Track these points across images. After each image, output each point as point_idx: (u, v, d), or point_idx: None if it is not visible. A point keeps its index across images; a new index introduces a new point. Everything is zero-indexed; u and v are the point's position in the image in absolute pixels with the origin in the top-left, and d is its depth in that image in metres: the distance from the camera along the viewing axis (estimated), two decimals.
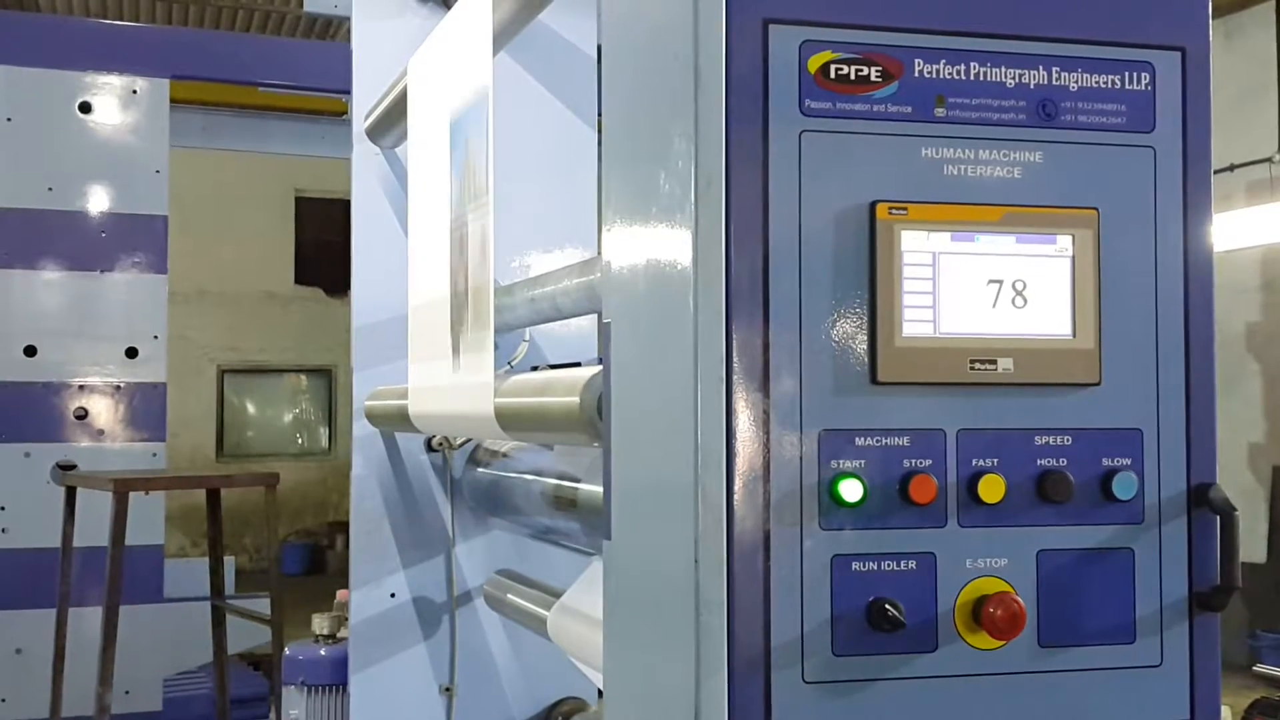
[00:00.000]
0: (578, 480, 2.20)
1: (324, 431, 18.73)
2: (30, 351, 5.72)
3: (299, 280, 18.40)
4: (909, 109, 1.29)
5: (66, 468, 5.59)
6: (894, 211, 1.27)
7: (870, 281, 1.26)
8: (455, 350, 2.20)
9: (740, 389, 1.22)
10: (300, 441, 18.74)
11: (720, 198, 1.23)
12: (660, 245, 1.32)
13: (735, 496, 1.21)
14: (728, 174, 1.23)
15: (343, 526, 16.31)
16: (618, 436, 1.42)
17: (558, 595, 2.44)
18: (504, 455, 2.79)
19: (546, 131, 3.03)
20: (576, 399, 1.62)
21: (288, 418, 19.01)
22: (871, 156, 1.28)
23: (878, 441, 1.25)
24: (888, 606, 1.22)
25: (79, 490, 5.14)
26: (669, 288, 1.29)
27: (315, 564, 16.15)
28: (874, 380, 1.26)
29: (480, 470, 2.91)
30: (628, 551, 1.39)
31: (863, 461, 1.24)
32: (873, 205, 1.27)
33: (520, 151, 2.90)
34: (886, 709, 1.23)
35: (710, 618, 1.20)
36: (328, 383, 18.43)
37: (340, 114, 7.19)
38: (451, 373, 2.20)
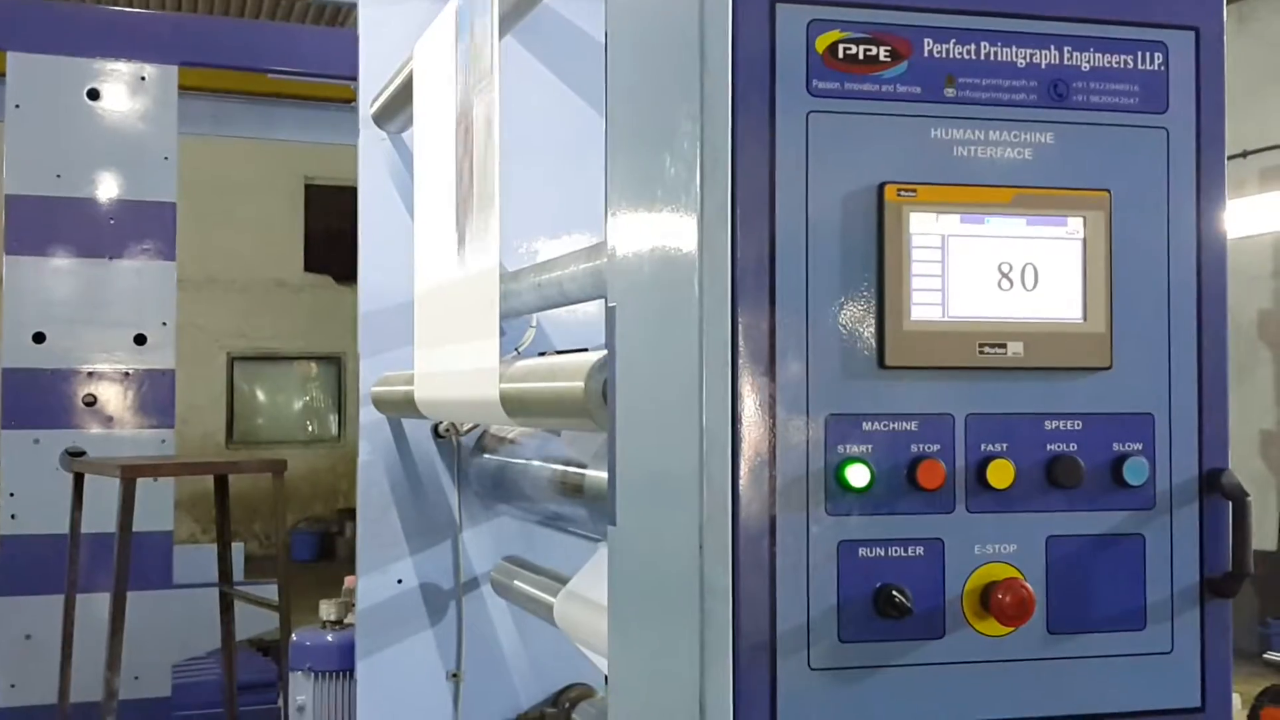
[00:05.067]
0: (584, 466, 2.19)
1: (334, 419, 18.76)
2: (39, 338, 5.73)
3: (309, 268, 18.41)
4: (918, 89, 1.27)
5: (76, 454, 5.60)
6: (902, 193, 1.26)
7: (878, 264, 1.25)
8: (463, 336, 2.19)
9: (746, 373, 1.20)
10: (310, 429, 18.78)
11: (726, 180, 1.21)
12: (665, 229, 1.30)
13: (741, 481, 1.19)
14: (734, 156, 1.22)
15: (352, 514, 16.34)
16: (623, 421, 1.40)
17: (564, 582, 2.43)
18: (511, 441, 2.78)
19: (555, 118, 3.01)
20: (581, 384, 1.61)
21: (297, 405, 19.04)
22: (880, 137, 1.26)
23: (885, 426, 1.24)
24: (895, 593, 1.21)
25: (88, 477, 5.14)
26: (674, 271, 1.28)
27: (325, 551, 16.20)
28: (882, 364, 1.24)
29: (487, 456, 2.90)
30: (633, 537, 1.38)
31: (870, 446, 1.23)
32: (881, 187, 1.25)
33: (529, 138, 2.89)
34: (893, 696, 1.21)
35: (715, 604, 1.19)
36: (337, 370, 18.46)
37: (349, 101, 7.18)
38: (457, 355, 2.19)
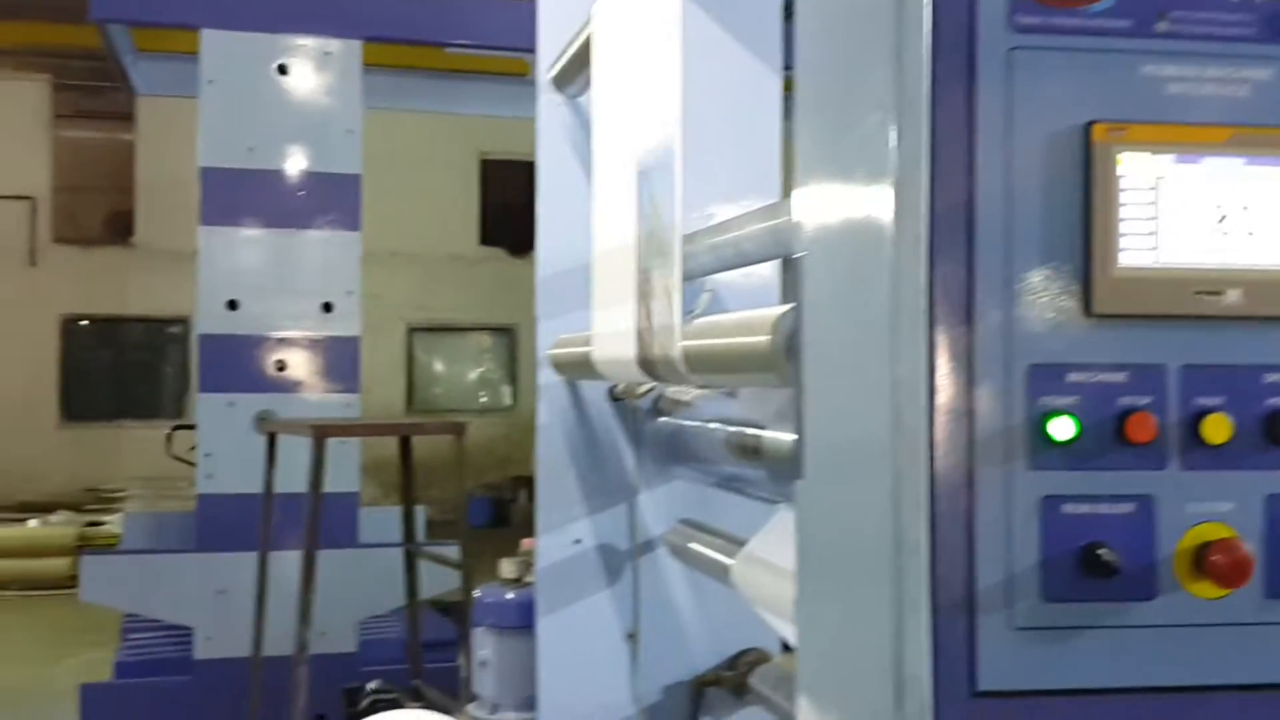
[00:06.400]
0: (762, 427, 2.17)
1: (507, 389, 19.14)
2: (233, 305, 5.96)
3: (484, 241, 18.78)
4: (1128, 23, 1.20)
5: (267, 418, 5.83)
6: (1112, 132, 1.19)
7: (1085, 207, 1.19)
8: (642, 295, 2.18)
9: (942, 322, 1.16)
10: (483, 399, 19.19)
11: (923, 123, 1.17)
12: (858, 175, 1.26)
13: (937, 434, 1.15)
14: (933, 97, 1.17)
15: (525, 481, 16.72)
16: (811, 374, 1.37)
17: (740, 544, 2.41)
18: (687, 404, 2.77)
19: (729, 78, 2.97)
20: (767, 338, 1.58)
21: (472, 375, 19.49)
22: (1087, 74, 1.20)
23: (1092, 377, 1.18)
24: (1102, 551, 1.15)
25: (279, 440, 5.34)
26: (867, 218, 1.24)
27: (499, 517, 16.56)
28: (1088, 312, 1.18)
29: (663, 419, 2.90)
30: (822, 492, 1.35)
31: (1076, 398, 1.17)
32: (1088, 126, 1.19)
33: (702, 99, 2.85)
34: (1102, 657, 1.16)
35: (911, 560, 1.15)
36: (510, 341, 18.82)
37: (523, 75, 7.27)
38: (636, 314, 2.18)
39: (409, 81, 7.62)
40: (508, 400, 19.08)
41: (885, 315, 1.20)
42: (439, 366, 19.34)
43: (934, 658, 1.13)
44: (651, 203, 2.17)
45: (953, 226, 1.17)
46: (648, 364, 2.20)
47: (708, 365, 1.87)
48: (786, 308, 1.57)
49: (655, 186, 2.14)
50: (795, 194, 1.44)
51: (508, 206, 17.87)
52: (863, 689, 1.23)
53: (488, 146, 18.14)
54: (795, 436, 1.42)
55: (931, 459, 1.15)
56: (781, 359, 1.55)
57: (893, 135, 1.20)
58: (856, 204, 1.26)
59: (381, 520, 6.20)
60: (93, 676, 6.49)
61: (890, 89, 1.21)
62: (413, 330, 18.65)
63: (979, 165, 1.18)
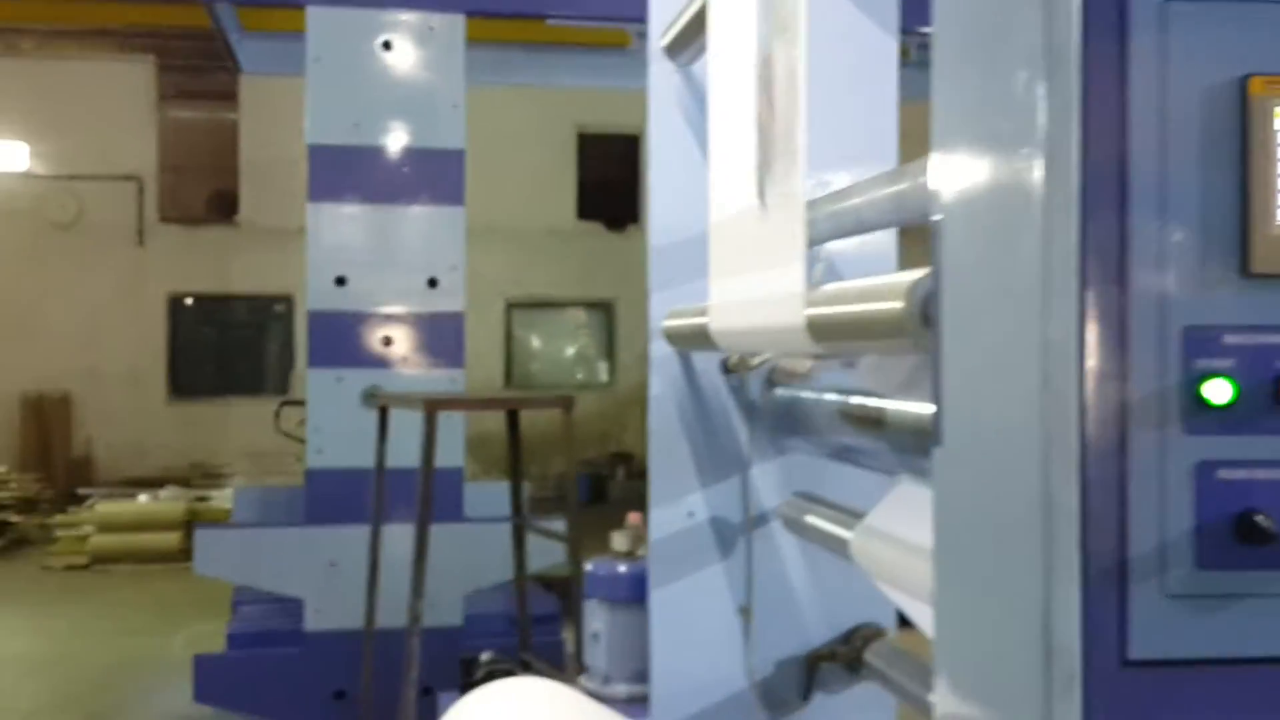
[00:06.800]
0: (883, 397, 2.14)
1: (603, 365, 19.19)
2: (340, 281, 6.04)
3: (581, 216, 18.82)
4: None
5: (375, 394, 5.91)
6: (1270, 86, 1.15)
7: (1241, 164, 1.15)
8: (765, 265, 2.17)
9: (1094, 284, 1.13)
10: (580, 375, 19.27)
11: (1074, 80, 1.14)
12: (1004, 136, 1.23)
13: (1087, 398, 1.12)
14: (1083, 53, 1.14)
15: (623, 458, 16.78)
16: (950, 338, 1.35)
17: (857, 516, 2.39)
18: (801, 375, 2.75)
19: (844, 41, 2.93)
20: (900, 303, 1.55)
21: (569, 351, 19.57)
22: (1244, 27, 1.16)
23: (1250, 339, 1.14)
24: (1259, 518, 1.12)
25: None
26: (1014, 180, 1.21)
27: (597, 493, 16.60)
28: (1245, 272, 1.14)
29: (776, 391, 2.88)
30: (962, 459, 1.32)
31: (1232, 361, 1.14)
32: (1245, 80, 1.15)
33: (816, 64, 2.81)
34: (1258, 626, 1.13)
35: (1061, 526, 1.13)
36: (607, 316, 18.85)
37: (623, 45, 7.25)
38: (757, 283, 2.17)
39: (507, 55, 7.65)
40: (604, 376, 19.14)
41: (1035, 278, 1.17)
42: (536, 342, 19.46)
43: (1084, 627, 1.11)
44: (775, 168, 2.15)
45: (1104, 186, 1.14)
46: (770, 334, 2.18)
47: (835, 333, 1.85)
48: (920, 272, 1.55)
49: (779, 151, 2.12)
50: (931, 156, 1.41)
51: (605, 180, 17.90)
52: (1007, 661, 1.21)
53: (585, 120, 18.16)
54: (923, 405, 1.40)
55: (1082, 423, 1.12)
56: (917, 325, 1.52)
57: (1041, 93, 1.17)
58: (1002, 165, 1.24)
59: (485, 495, 6.26)
60: (206, 648, 6.66)
61: (1038, 45, 1.18)
62: (511, 306, 18.78)
63: (1131, 122, 1.15)
